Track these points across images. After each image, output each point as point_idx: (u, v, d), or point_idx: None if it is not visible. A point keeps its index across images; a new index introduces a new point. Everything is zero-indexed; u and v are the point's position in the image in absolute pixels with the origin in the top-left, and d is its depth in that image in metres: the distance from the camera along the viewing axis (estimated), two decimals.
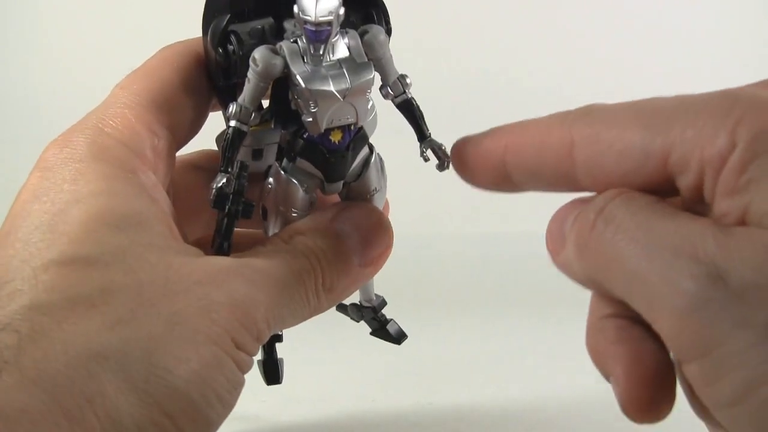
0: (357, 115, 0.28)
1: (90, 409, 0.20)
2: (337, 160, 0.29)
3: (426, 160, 0.30)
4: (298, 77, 0.26)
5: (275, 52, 0.27)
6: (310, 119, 0.27)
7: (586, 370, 0.49)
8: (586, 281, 0.24)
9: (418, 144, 0.30)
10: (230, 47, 0.29)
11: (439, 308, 0.58)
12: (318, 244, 0.28)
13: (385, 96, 0.30)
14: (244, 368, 0.25)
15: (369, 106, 0.29)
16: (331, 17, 0.25)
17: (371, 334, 0.35)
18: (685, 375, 0.20)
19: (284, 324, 0.28)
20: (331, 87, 0.26)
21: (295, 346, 0.35)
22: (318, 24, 0.25)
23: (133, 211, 0.26)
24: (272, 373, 0.33)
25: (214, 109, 0.33)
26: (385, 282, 0.34)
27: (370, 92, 0.28)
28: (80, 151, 0.29)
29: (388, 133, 0.33)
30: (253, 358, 0.26)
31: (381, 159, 0.31)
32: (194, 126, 0.32)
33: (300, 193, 0.30)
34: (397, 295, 0.33)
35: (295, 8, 0.26)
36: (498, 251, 0.65)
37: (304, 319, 0.29)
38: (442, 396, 0.43)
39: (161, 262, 0.25)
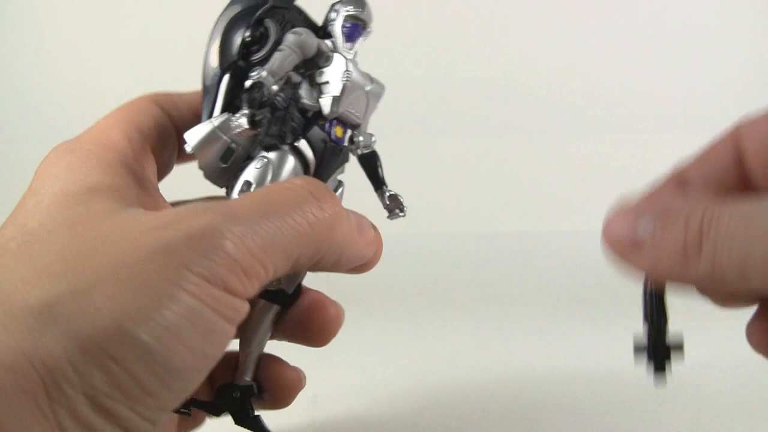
0: (365, 113, 0.31)
1: (27, 362, 0.21)
2: (332, 153, 0.30)
3: (391, 210, 0.32)
4: (333, 53, 0.30)
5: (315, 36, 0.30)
6: (336, 94, 0.29)
7: (587, 369, 0.49)
8: (698, 281, 0.24)
9: (412, 150, 0.32)
10: (270, 24, 0.30)
11: (438, 308, 0.58)
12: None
13: (353, 144, 0.32)
14: (220, 307, 0.23)
15: (369, 115, 0.31)
16: (369, 20, 0.30)
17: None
18: None
19: (291, 257, 0.25)
20: (361, 74, 0.30)
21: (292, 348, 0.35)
22: (360, 20, 0.30)
23: (98, 183, 0.26)
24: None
25: (179, 162, 0.33)
26: (385, 282, 0.34)
27: (376, 103, 0.31)
28: (63, 150, 0.29)
29: (390, 133, 0.33)
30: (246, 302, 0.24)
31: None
32: (166, 166, 0.32)
33: (291, 165, 0.29)
34: (396, 295, 0.33)
35: (343, 8, 0.30)
36: (498, 251, 0.65)
37: (321, 242, 0.26)
38: (442, 396, 0.44)
39: (115, 220, 0.24)
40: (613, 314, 0.31)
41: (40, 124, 0.81)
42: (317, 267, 0.28)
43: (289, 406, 0.33)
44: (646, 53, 0.81)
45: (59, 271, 0.23)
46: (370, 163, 0.32)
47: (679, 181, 0.28)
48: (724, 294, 0.26)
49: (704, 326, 0.35)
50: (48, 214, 0.25)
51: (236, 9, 0.31)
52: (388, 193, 0.32)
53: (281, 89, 0.29)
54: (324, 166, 0.30)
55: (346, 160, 0.32)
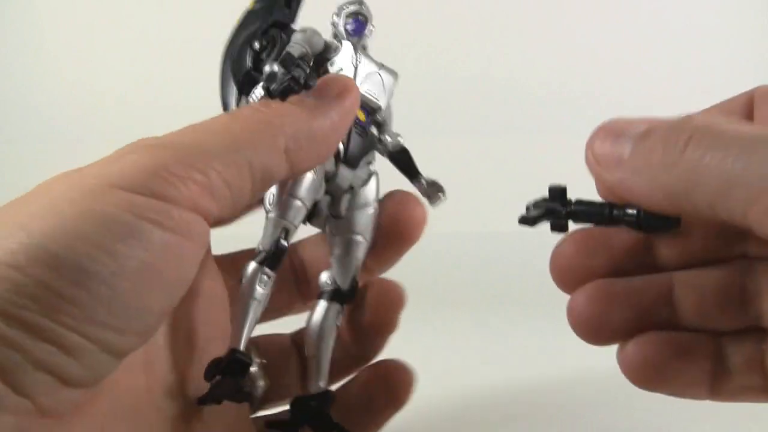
0: (384, 94, 0.31)
1: None
2: (357, 134, 0.31)
3: (431, 196, 0.32)
4: (338, 44, 0.31)
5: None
6: (349, 76, 0.30)
7: (587, 369, 0.49)
8: (657, 195, 0.24)
9: (412, 150, 0.32)
10: (274, 33, 0.31)
11: (438, 308, 0.58)
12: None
13: (381, 144, 0.32)
14: (139, 210, 0.22)
15: (387, 98, 0.32)
16: (369, 15, 0.31)
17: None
18: None
19: (234, 162, 0.24)
20: (370, 59, 0.31)
21: None
22: (361, 13, 0.31)
23: None
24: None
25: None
26: None
27: (393, 82, 0.31)
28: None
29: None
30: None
31: (376, 214, 0.32)
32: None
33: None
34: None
35: (344, 8, 0.31)
36: (498, 251, 0.65)
37: (262, 144, 0.25)
38: (443, 396, 0.44)
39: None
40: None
41: (40, 124, 0.81)
42: (297, 162, 0.27)
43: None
44: (647, 53, 0.81)
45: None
46: (402, 158, 0.32)
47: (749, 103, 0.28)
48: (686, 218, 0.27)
49: None
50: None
51: (239, 34, 0.31)
52: (424, 181, 0.32)
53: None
54: (352, 147, 0.31)
55: (374, 146, 0.32)
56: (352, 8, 0.31)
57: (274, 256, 0.29)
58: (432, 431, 0.35)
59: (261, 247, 0.29)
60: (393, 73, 0.32)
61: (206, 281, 0.30)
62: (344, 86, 0.28)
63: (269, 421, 0.29)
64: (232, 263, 0.32)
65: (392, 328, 0.33)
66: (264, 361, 0.32)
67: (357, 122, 0.31)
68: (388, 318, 0.32)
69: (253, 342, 0.32)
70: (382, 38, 0.32)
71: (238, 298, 0.29)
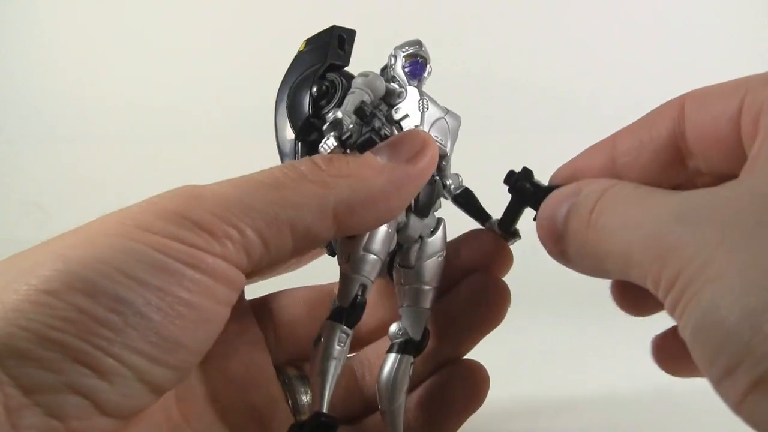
0: (448, 140, 0.30)
1: None
2: (427, 186, 0.30)
3: (508, 240, 0.32)
4: (401, 88, 0.30)
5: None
6: (417, 123, 0.29)
7: (588, 370, 0.49)
8: (590, 271, 0.26)
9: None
10: (333, 77, 0.29)
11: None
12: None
13: (445, 189, 0.31)
14: (173, 252, 0.22)
15: (453, 144, 0.31)
16: (428, 57, 0.31)
17: None
18: (666, 308, 0.22)
19: (264, 213, 0.24)
20: (435, 103, 0.31)
21: None
22: (421, 56, 0.30)
23: None
24: None
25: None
26: None
27: (458, 127, 0.31)
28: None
29: None
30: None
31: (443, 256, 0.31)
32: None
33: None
34: None
35: (402, 50, 0.30)
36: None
37: (307, 207, 0.24)
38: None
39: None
40: (616, 314, 0.31)
41: (40, 124, 0.81)
42: (348, 225, 0.26)
43: None
44: (647, 53, 0.81)
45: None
46: (468, 201, 0.31)
47: (612, 154, 0.28)
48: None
49: None
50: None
51: (294, 76, 0.30)
52: (494, 223, 0.32)
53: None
54: (422, 197, 0.30)
55: (441, 193, 0.31)
56: (411, 50, 0.30)
57: (352, 313, 0.28)
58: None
59: (338, 303, 0.29)
60: (457, 117, 0.31)
61: (242, 325, 0.30)
62: (422, 145, 0.27)
63: None
64: (262, 306, 0.33)
65: (497, 324, 0.32)
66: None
67: None
68: (493, 313, 0.32)
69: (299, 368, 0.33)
70: (383, 38, 0.32)
71: (316, 357, 0.28)
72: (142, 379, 0.22)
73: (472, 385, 0.32)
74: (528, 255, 0.33)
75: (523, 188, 0.29)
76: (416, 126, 0.29)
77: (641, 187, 0.24)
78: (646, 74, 0.79)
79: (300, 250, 0.25)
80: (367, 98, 0.28)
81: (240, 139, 0.74)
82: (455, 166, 0.32)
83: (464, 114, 0.32)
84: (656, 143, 0.27)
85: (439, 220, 0.31)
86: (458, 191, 0.31)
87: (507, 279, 0.33)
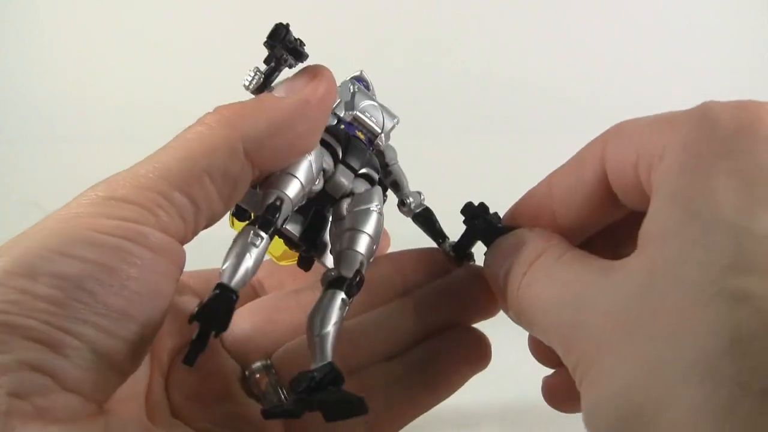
0: (382, 125, 0.32)
1: None
2: (355, 146, 0.31)
3: (461, 261, 0.33)
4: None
5: None
6: (347, 100, 0.31)
7: None
8: (525, 327, 0.28)
9: (412, 150, 0.34)
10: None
11: None
12: None
13: (405, 207, 0.33)
14: (103, 228, 0.23)
15: (388, 134, 0.33)
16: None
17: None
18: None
19: (177, 168, 0.24)
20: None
21: None
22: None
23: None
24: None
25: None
26: None
27: (392, 125, 0.32)
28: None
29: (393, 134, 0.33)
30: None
31: (380, 219, 0.31)
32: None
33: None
34: None
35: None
36: None
37: (217, 150, 0.25)
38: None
39: None
40: None
41: (40, 124, 0.81)
42: (263, 160, 0.26)
43: None
44: (647, 53, 0.81)
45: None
46: (426, 220, 0.33)
47: (549, 200, 0.29)
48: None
49: None
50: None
51: None
52: (449, 245, 0.33)
53: None
54: (351, 151, 0.31)
55: (373, 164, 0.32)
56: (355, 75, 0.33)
57: (266, 220, 0.27)
58: (437, 429, 0.35)
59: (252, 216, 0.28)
60: (393, 116, 0.33)
61: (184, 299, 0.31)
62: (315, 72, 0.27)
63: (266, 410, 0.26)
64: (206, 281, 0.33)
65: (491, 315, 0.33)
66: None
67: (353, 135, 0.31)
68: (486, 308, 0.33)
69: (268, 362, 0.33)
70: (383, 38, 0.32)
71: (230, 250, 0.27)
72: (97, 351, 0.22)
73: (482, 348, 0.33)
74: None
75: (475, 226, 0.32)
76: (345, 102, 0.31)
77: (562, 258, 0.26)
78: (646, 74, 0.79)
79: (228, 197, 0.26)
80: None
81: None
82: (455, 162, 0.32)
83: (464, 114, 0.32)
84: (586, 187, 0.28)
85: (375, 185, 0.32)
86: (419, 210, 0.33)
87: None
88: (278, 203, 0.27)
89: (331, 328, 0.28)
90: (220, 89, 0.89)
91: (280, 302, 0.34)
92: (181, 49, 0.81)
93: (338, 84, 0.30)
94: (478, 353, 0.33)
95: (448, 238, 0.33)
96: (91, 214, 0.23)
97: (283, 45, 0.28)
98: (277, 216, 0.27)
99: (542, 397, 0.31)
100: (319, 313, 0.28)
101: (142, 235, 0.23)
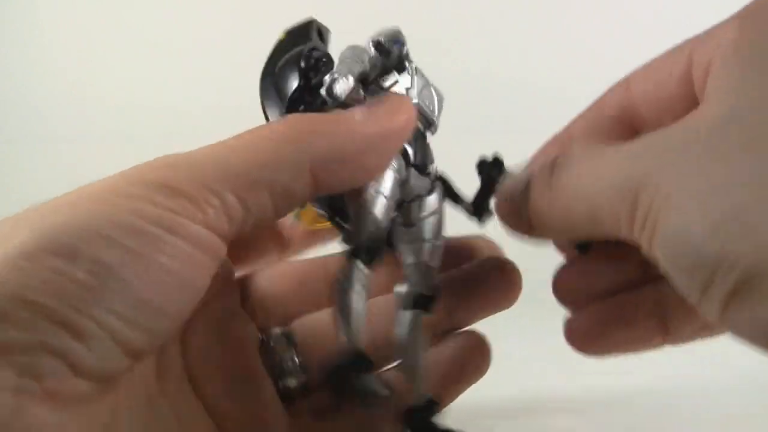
0: (436, 109, 0.30)
1: None
2: (421, 144, 0.30)
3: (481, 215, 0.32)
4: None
5: None
6: (408, 85, 0.29)
7: (587, 371, 0.49)
8: (556, 234, 0.26)
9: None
10: (323, 53, 0.29)
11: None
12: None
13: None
14: (151, 215, 0.22)
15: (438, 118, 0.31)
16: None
17: None
18: (641, 246, 0.22)
19: (243, 175, 0.24)
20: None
21: None
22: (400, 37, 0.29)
23: None
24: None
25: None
26: None
27: (442, 104, 0.31)
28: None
29: None
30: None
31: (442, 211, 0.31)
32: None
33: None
34: None
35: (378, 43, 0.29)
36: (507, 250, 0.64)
37: (285, 166, 0.24)
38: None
39: None
40: None
41: (40, 124, 0.81)
42: (325, 183, 0.25)
43: None
44: (648, 53, 0.81)
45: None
46: (443, 185, 0.31)
47: (627, 93, 0.29)
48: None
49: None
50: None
51: (276, 62, 0.29)
52: (468, 204, 0.31)
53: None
54: (423, 151, 0.30)
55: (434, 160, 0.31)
56: (389, 33, 0.29)
57: (369, 250, 0.27)
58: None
59: (352, 244, 0.28)
60: (442, 95, 0.31)
61: (224, 300, 0.30)
62: (400, 103, 0.26)
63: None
64: (248, 282, 0.33)
65: (509, 305, 0.32)
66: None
67: (417, 131, 0.29)
68: (506, 296, 0.32)
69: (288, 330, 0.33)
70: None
71: (336, 297, 0.27)
72: (118, 342, 0.22)
73: (482, 355, 0.32)
74: (523, 256, 0.33)
75: (491, 177, 0.30)
76: (407, 89, 0.29)
77: (593, 144, 0.25)
78: None
79: (280, 210, 0.25)
80: (358, 65, 0.27)
81: None
82: (456, 161, 0.32)
83: (464, 114, 0.32)
84: (607, 123, 0.28)
85: (434, 182, 0.31)
86: (434, 178, 0.31)
87: None
88: (373, 228, 0.27)
89: (420, 352, 0.29)
90: (220, 89, 0.89)
91: (308, 268, 0.33)
92: (181, 49, 0.81)
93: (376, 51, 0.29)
94: (477, 361, 0.32)
95: (466, 199, 0.32)
96: (139, 197, 0.22)
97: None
98: (381, 245, 0.27)
99: (567, 343, 0.30)
100: (406, 337, 0.29)
101: (185, 229, 0.23)
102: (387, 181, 0.28)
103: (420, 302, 0.29)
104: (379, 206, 0.28)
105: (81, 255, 0.21)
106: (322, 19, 0.31)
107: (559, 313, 0.31)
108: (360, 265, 0.27)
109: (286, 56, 0.28)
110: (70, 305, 0.21)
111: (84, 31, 0.83)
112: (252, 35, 0.83)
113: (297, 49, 0.28)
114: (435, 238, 0.30)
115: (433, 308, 0.29)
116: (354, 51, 0.28)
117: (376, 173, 0.27)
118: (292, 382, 0.31)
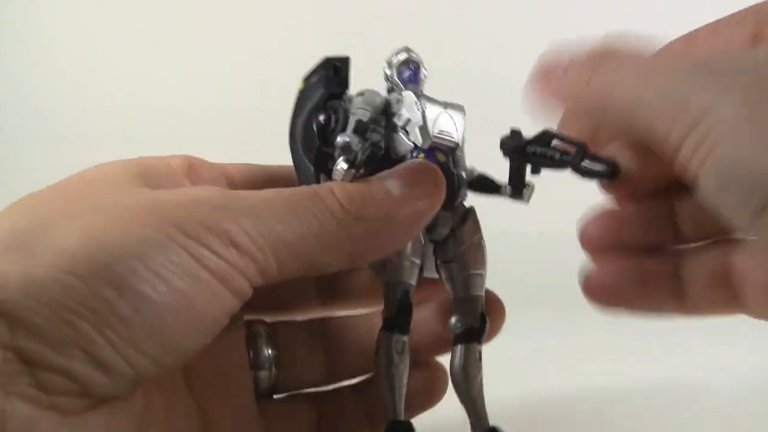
0: (456, 131, 0.31)
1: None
2: (447, 179, 0.30)
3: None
4: (398, 97, 0.29)
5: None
6: (420, 123, 0.29)
7: (586, 371, 0.49)
8: (585, 111, 0.27)
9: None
10: (334, 104, 0.30)
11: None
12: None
13: (471, 175, 0.32)
14: (205, 261, 0.22)
15: (461, 133, 0.31)
16: (420, 60, 0.31)
17: None
18: (680, 160, 0.22)
19: (290, 245, 0.24)
20: (433, 101, 0.31)
21: None
22: (413, 61, 0.30)
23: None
24: None
25: None
26: None
27: (463, 117, 0.31)
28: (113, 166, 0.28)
29: None
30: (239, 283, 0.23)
31: (484, 244, 0.31)
32: None
33: None
34: None
35: (393, 59, 0.30)
36: (498, 251, 0.64)
37: (328, 246, 0.25)
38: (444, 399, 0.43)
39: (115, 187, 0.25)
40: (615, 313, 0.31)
41: (40, 124, 0.81)
42: (360, 261, 0.27)
43: None
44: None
45: (31, 206, 0.23)
46: (483, 182, 0.32)
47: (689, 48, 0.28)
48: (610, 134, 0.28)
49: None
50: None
51: (299, 115, 0.31)
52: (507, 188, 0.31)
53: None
54: (446, 189, 0.30)
55: (463, 183, 0.31)
56: (402, 57, 0.30)
57: (401, 319, 0.29)
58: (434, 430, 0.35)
59: (386, 313, 0.29)
60: (459, 108, 0.31)
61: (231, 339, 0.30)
62: (435, 182, 0.27)
63: None
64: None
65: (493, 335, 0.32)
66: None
67: (441, 165, 0.30)
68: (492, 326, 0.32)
69: (270, 325, 0.33)
70: (382, 38, 0.32)
71: (379, 369, 0.29)
72: (139, 376, 0.22)
73: (441, 384, 0.33)
74: (520, 256, 0.33)
75: (520, 151, 0.31)
76: (419, 127, 0.29)
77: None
78: None
79: (311, 275, 0.26)
80: (368, 115, 0.28)
81: (240, 140, 0.74)
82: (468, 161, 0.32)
83: (470, 113, 0.32)
84: (746, 40, 0.27)
85: (468, 210, 0.31)
86: (471, 178, 0.32)
87: (505, 279, 0.33)
88: (404, 296, 0.29)
89: (478, 385, 0.30)
90: (220, 89, 0.89)
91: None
92: (181, 49, 0.81)
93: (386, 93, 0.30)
94: (433, 391, 0.33)
95: (504, 185, 0.32)
96: (195, 236, 0.22)
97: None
98: (410, 312, 0.29)
99: (585, 294, 0.31)
100: (463, 372, 0.30)
101: (230, 279, 0.23)
102: (408, 246, 0.29)
103: (468, 335, 0.30)
104: (405, 270, 0.29)
105: (130, 290, 0.21)
106: (323, 21, 0.31)
107: (559, 314, 0.31)
108: (395, 335, 0.29)
109: (303, 115, 0.30)
110: (108, 339, 0.21)
111: (84, 31, 0.83)
112: (252, 35, 0.83)
113: (311, 106, 0.30)
114: (475, 269, 0.31)
115: (483, 338, 0.30)
116: (365, 99, 0.29)
117: (405, 245, 0.28)
118: (264, 375, 0.32)
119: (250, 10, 0.80)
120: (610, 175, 0.29)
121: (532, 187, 0.31)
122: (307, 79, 0.31)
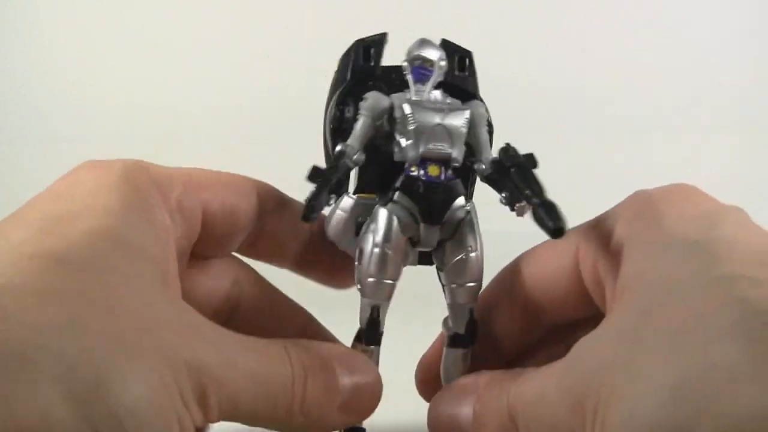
0: (452, 143, 0.30)
1: (15, 402, 0.20)
2: (434, 195, 0.30)
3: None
4: (400, 103, 0.30)
5: (385, 95, 0.30)
6: (410, 141, 0.29)
7: None
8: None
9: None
10: (348, 102, 0.31)
11: (436, 308, 0.58)
12: (315, 370, 0.28)
13: (477, 171, 0.31)
14: (183, 423, 0.24)
15: (463, 146, 0.30)
16: (433, 58, 0.30)
17: None
18: None
19: (234, 414, 0.26)
20: (430, 110, 0.30)
21: None
22: (421, 59, 0.30)
23: (137, 240, 0.26)
24: None
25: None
26: None
27: (464, 129, 0.30)
28: (112, 172, 0.29)
29: None
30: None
31: (475, 219, 0.31)
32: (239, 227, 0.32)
33: (384, 217, 0.29)
34: (399, 296, 0.33)
35: (409, 52, 0.30)
36: (498, 251, 0.64)
37: (259, 425, 0.27)
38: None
39: (142, 296, 0.24)
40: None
41: (40, 124, 0.81)
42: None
43: None
44: (649, 53, 0.81)
45: (78, 321, 0.22)
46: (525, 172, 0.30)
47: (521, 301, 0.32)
48: None
49: None
50: (81, 244, 0.24)
51: (329, 97, 0.32)
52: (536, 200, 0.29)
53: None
54: (433, 205, 0.30)
55: (460, 194, 0.30)
56: (414, 53, 0.30)
57: (370, 333, 0.31)
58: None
59: (360, 326, 0.31)
60: (461, 111, 0.30)
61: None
62: (371, 401, 0.30)
63: None
64: None
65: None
66: None
67: (428, 179, 0.29)
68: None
69: None
70: (391, 38, 0.32)
71: None
72: None
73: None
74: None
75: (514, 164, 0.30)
76: (407, 145, 0.29)
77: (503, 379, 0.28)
78: (648, 74, 0.79)
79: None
80: (370, 122, 0.30)
81: (240, 140, 0.74)
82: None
83: None
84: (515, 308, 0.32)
85: (461, 221, 0.30)
86: (488, 172, 0.30)
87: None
88: (376, 314, 0.30)
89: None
90: (220, 89, 0.89)
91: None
92: (181, 49, 0.81)
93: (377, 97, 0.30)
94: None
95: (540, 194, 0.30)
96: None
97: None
98: (378, 328, 0.31)
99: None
100: (444, 373, 0.32)
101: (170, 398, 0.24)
102: (388, 267, 0.30)
103: (456, 341, 0.32)
104: (378, 290, 0.30)
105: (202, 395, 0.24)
106: (323, 20, 0.31)
107: None
108: (363, 346, 0.31)
109: (332, 98, 0.31)
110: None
111: (84, 31, 0.83)
112: (252, 35, 0.83)
113: (340, 90, 0.31)
114: (460, 281, 0.31)
115: (472, 343, 0.32)
116: (368, 104, 0.30)
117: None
118: None
119: (250, 10, 0.80)
120: (554, 235, 0.28)
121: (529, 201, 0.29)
122: (340, 60, 0.32)
